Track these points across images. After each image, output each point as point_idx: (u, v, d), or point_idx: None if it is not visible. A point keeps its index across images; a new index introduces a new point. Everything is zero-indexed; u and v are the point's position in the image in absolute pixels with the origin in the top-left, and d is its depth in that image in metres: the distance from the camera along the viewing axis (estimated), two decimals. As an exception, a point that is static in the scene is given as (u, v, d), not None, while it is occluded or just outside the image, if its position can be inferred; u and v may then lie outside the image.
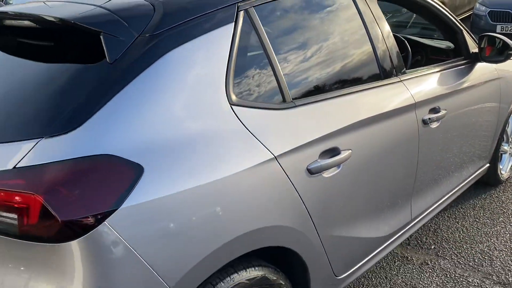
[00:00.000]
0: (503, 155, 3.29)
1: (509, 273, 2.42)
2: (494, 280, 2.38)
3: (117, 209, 1.14)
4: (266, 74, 1.60)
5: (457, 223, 2.90)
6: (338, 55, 1.92)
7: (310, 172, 1.59)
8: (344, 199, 1.78)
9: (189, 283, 1.28)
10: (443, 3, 8.58)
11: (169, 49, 1.38)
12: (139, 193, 1.18)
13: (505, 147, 3.25)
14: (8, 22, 1.59)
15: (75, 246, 1.10)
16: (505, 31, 7.05)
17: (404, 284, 2.39)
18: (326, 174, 1.65)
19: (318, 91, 1.77)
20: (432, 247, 2.68)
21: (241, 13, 1.57)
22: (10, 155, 1.16)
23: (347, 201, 1.81)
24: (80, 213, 1.10)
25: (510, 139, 3.31)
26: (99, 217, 1.12)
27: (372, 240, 2.02)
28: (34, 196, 1.09)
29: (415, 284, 2.38)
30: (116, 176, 1.18)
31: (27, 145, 1.17)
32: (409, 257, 2.59)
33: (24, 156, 1.15)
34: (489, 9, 7.25)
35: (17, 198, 1.10)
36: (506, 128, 3.16)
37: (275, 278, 1.57)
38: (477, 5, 7.62)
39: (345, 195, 1.78)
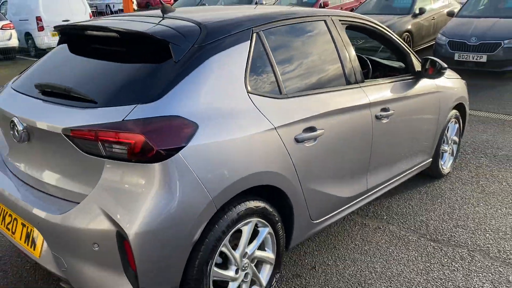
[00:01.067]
0: (444, 153, 4.17)
1: (440, 235, 3.25)
2: (428, 238, 3.21)
3: (184, 146, 1.92)
4: (269, 75, 2.41)
5: (405, 202, 3.74)
6: (316, 66, 2.75)
7: (297, 140, 2.40)
8: (318, 164, 2.59)
9: (221, 198, 2.05)
10: (409, 33, 9.67)
11: (211, 55, 2.18)
12: (196, 139, 1.96)
13: (445, 147, 4.12)
14: (101, 33, 2.38)
15: (160, 165, 1.87)
16: (462, 58, 8.11)
17: (362, 240, 3.19)
18: (307, 144, 2.47)
19: (303, 88, 2.59)
20: (385, 217, 3.50)
21: (254, 35, 2.40)
22: (121, 113, 1.93)
23: (321, 165, 2.61)
24: (165, 146, 1.88)
25: (450, 141, 4.19)
26: (174, 149, 1.89)
27: (338, 198, 2.83)
28: (138, 135, 1.86)
29: (370, 240, 3.19)
30: (183, 127, 1.95)
31: (129, 107, 1.95)
32: (366, 224, 3.41)
33: (128, 114, 1.92)
34: (449, 39, 8.32)
35: (127, 136, 1.86)
36: (446, 132, 4.04)
37: (271, 210, 2.35)
38: (439, 35, 8.69)
39: (319, 161, 2.58)
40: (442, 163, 4.12)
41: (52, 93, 2.22)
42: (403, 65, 3.67)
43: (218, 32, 2.28)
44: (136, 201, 1.87)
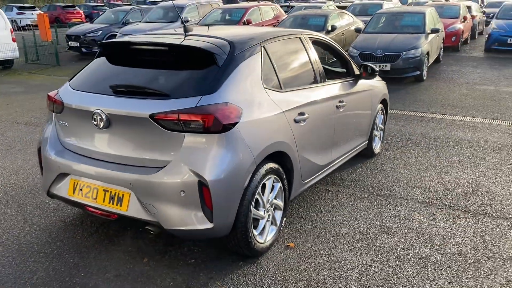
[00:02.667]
0: (375, 137, 5.46)
1: (382, 192, 4.45)
2: (375, 194, 4.40)
3: (238, 122, 2.87)
4: (273, 75, 3.43)
5: (353, 173, 4.93)
6: (298, 69, 3.84)
7: (295, 121, 3.44)
8: (307, 138, 3.64)
9: (258, 158, 3.00)
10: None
11: (240, 62, 3.13)
12: (243, 118, 2.91)
13: (376, 132, 5.41)
14: (159, 47, 3.26)
15: (224, 135, 2.79)
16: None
17: (329, 199, 4.29)
18: (300, 124, 3.51)
19: (293, 85, 3.63)
20: (341, 184, 4.65)
21: (262, 47, 3.40)
22: (193, 101, 2.82)
23: (308, 140, 3.67)
24: (227, 122, 2.81)
25: (378, 128, 5.50)
26: (232, 124, 2.83)
27: (316, 165, 3.90)
28: (211, 115, 2.77)
29: (335, 199, 4.30)
30: (235, 109, 2.88)
31: (197, 98, 2.84)
32: (329, 189, 4.53)
33: (198, 101, 2.82)
34: (359, 51, 9.94)
35: (203, 116, 2.75)
36: (376, 120, 5.33)
37: (281, 170, 3.35)
38: (351, 48, 10.30)
39: (306, 136, 3.64)
40: (374, 145, 5.40)
41: (124, 91, 3.03)
42: (344, 70, 4.88)
43: (241, 46, 3.24)
44: (210, 159, 2.78)
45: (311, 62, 3.96)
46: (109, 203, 3.00)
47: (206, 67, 3.07)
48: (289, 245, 3.43)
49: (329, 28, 11.47)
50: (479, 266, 3.16)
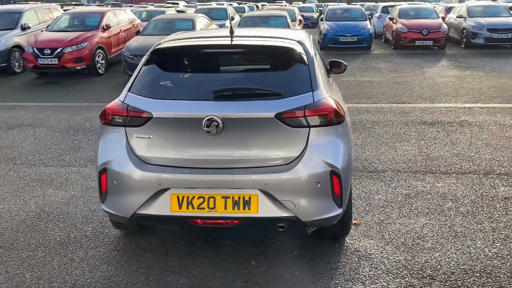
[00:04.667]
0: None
1: (360, 165, 5.13)
2: (358, 170, 5.06)
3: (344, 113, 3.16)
4: (324, 70, 3.75)
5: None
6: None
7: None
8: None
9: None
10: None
11: (314, 59, 3.36)
12: None
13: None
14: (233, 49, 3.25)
15: (342, 125, 3.05)
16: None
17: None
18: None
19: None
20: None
21: (314, 46, 3.69)
22: (308, 98, 2.98)
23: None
24: (343, 113, 3.06)
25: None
26: (344, 115, 3.10)
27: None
28: (332, 107, 2.98)
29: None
30: (338, 103, 3.14)
31: (309, 94, 3.01)
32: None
33: (313, 97, 3.00)
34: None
35: (327, 109, 2.95)
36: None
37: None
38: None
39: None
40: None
41: (231, 95, 3.00)
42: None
43: (305, 44, 3.48)
44: (337, 149, 3.01)
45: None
46: (233, 209, 2.94)
47: (297, 65, 3.23)
48: (355, 223, 3.81)
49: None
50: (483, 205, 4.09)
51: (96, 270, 3.20)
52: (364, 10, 16.99)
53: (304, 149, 2.96)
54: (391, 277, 3.06)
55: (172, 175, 2.97)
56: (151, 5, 26.74)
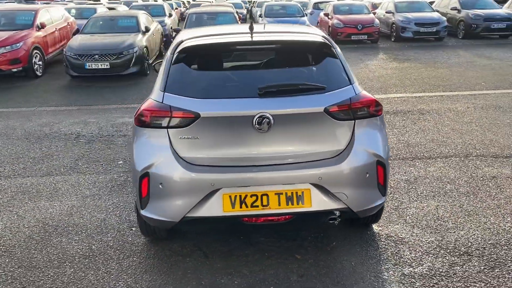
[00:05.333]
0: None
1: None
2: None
3: (381, 104, 3.26)
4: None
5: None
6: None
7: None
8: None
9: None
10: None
11: (340, 53, 3.45)
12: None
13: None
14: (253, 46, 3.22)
15: (380, 117, 3.15)
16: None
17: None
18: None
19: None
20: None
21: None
22: (350, 91, 3.05)
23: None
24: (381, 105, 3.16)
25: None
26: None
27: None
28: (373, 99, 3.08)
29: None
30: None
31: (350, 87, 3.08)
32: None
33: (354, 90, 3.07)
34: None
35: (368, 100, 3.04)
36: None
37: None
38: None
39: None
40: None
41: (277, 91, 2.99)
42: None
43: (329, 39, 3.54)
44: (380, 140, 3.11)
45: None
46: (287, 204, 2.93)
47: (329, 59, 3.28)
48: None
49: (144, 30, 11.40)
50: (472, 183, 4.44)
51: (141, 280, 3.03)
52: (300, 6, 17.42)
53: (350, 141, 3.03)
54: (432, 258, 3.23)
55: (224, 175, 2.90)
56: (69, 1, 25.40)
